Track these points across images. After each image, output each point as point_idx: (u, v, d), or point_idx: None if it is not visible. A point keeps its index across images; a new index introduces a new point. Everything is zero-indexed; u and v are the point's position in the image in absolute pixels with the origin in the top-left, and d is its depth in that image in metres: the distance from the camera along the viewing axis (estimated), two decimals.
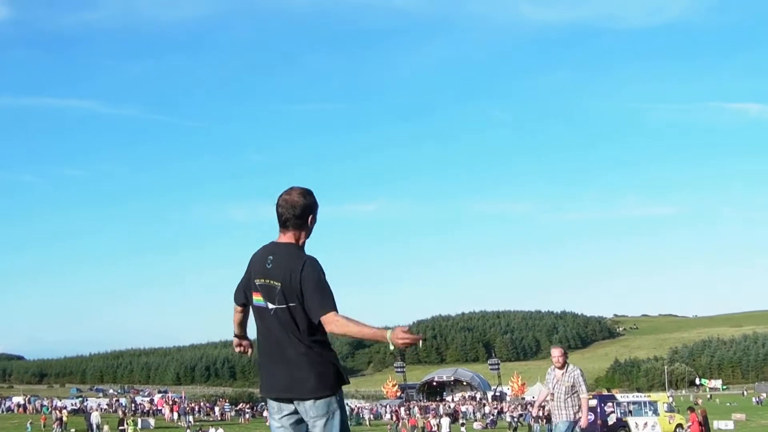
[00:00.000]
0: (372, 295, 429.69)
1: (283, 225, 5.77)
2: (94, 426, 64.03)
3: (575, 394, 13.90)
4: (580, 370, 14.22)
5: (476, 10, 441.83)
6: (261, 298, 5.74)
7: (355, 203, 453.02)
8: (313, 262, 5.65)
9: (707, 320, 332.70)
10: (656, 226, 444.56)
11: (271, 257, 5.70)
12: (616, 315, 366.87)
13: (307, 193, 5.82)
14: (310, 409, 5.66)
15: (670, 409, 58.85)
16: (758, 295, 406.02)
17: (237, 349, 6.52)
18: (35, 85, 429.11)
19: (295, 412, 5.77)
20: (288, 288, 5.56)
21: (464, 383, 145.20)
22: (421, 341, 5.37)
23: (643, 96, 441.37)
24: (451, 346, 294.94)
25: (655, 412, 56.34)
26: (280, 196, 5.81)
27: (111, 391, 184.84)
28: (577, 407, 13.88)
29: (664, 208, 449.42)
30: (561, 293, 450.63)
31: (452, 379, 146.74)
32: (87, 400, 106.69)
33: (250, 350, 6.54)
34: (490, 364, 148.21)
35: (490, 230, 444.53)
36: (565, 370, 14.00)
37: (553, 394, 14.08)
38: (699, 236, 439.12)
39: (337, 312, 5.56)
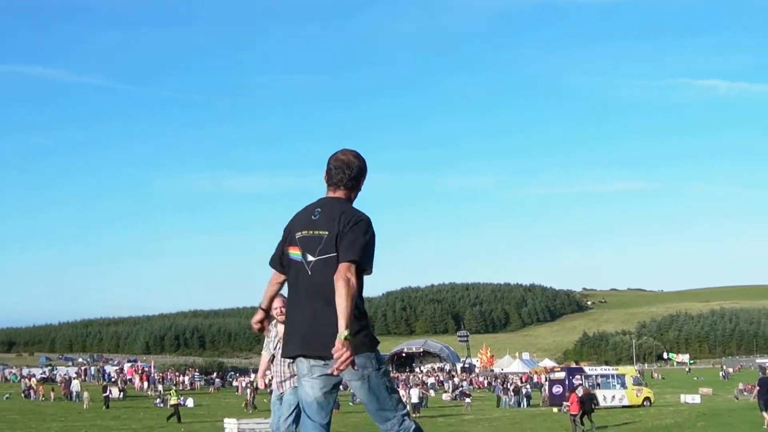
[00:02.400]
0: None
1: (336, 184, 5.78)
2: (74, 394, 64.31)
3: None
4: None
5: None
6: (298, 252, 5.64)
7: (322, 172, 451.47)
8: (369, 222, 5.65)
9: (675, 295, 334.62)
10: (626, 200, 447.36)
11: (319, 209, 5.68)
12: (585, 289, 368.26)
13: (361, 156, 5.86)
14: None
15: (638, 383, 59.39)
16: (726, 271, 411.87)
17: (255, 327, 6.24)
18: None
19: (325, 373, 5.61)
20: (335, 237, 5.50)
21: (433, 355, 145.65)
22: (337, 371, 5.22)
23: (611, 72, 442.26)
24: (420, 317, 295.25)
25: (623, 385, 56.86)
26: (334, 155, 5.84)
27: (80, 359, 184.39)
28: None
29: (633, 183, 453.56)
30: (530, 266, 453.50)
31: (421, 350, 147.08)
32: (56, 368, 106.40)
33: (266, 331, 6.43)
34: (459, 336, 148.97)
35: (459, 202, 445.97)
36: None
37: (274, 356, 10.42)
38: (668, 211, 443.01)
39: (357, 267, 5.43)
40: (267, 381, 15.45)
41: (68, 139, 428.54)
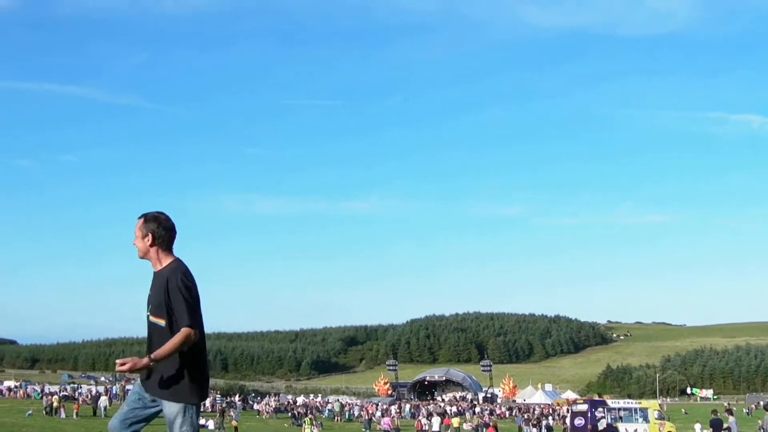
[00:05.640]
0: (366, 295, 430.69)
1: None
2: (102, 409, 65.14)
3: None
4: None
5: (475, 14, 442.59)
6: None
7: (349, 200, 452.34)
8: None
9: (700, 330, 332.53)
10: (652, 233, 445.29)
11: None
12: (609, 321, 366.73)
13: None
14: None
15: (661, 417, 58.93)
16: (752, 307, 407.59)
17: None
18: (34, 69, 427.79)
19: None
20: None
21: (456, 383, 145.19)
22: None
23: (644, 103, 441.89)
24: (444, 346, 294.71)
25: (646, 419, 56.44)
26: (167, 217, 7.17)
27: (102, 378, 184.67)
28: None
29: (660, 216, 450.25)
30: (555, 297, 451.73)
31: (444, 378, 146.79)
32: (80, 387, 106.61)
33: None
34: (482, 366, 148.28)
35: (485, 232, 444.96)
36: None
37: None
38: (694, 246, 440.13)
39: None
40: None
41: (98, 158, 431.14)
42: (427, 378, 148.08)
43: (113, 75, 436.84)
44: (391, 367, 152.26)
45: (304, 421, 41.58)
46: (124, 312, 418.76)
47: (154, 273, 6.98)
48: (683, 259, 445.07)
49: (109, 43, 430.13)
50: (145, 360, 6.49)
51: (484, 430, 39.62)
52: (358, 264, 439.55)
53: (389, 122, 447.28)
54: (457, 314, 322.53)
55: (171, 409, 6.73)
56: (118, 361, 6.47)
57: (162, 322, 6.71)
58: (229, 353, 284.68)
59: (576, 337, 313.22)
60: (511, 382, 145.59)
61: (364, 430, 66.25)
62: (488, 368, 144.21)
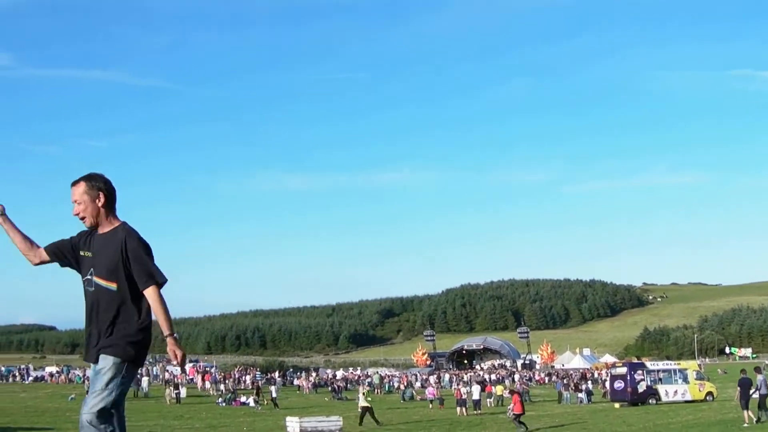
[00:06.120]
0: (401, 266, 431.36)
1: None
2: (143, 390, 66.44)
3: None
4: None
5: None
6: None
7: (381, 172, 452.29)
8: None
9: (737, 288, 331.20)
10: (686, 194, 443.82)
11: None
12: (645, 283, 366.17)
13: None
14: None
15: (700, 377, 58.79)
16: None
17: None
18: (58, 56, 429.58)
19: None
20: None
21: (493, 351, 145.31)
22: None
23: (673, 63, 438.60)
24: (480, 314, 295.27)
25: (685, 380, 56.30)
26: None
27: None
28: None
29: (693, 176, 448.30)
30: (590, 261, 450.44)
31: (482, 347, 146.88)
32: None
33: None
34: (519, 333, 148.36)
35: (517, 200, 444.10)
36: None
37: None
38: (728, 205, 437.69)
39: None
40: None
41: (127, 142, 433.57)
42: (465, 347, 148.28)
43: (138, 58, 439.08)
44: (428, 338, 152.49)
45: (364, 393, 41.73)
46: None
47: (98, 235, 6.67)
48: (717, 217, 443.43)
49: (133, 26, 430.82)
50: (170, 340, 6.55)
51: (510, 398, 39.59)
52: (393, 236, 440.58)
53: (416, 95, 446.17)
54: (492, 282, 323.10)
55: (104, 362, 6.46)
56: (176, 354, 6.52)
57: (113, 286, 6.48)
58: (267, 330, 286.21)
59: (612, 301, 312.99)
60: (549, 348, 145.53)
61: (402, 401, 66.57)
62: (525, 335, 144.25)
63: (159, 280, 6.47)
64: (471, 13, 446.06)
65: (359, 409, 40.15)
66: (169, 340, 6.45)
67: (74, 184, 6.65)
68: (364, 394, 41.46)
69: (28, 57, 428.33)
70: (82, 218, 6.66)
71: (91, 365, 6.58)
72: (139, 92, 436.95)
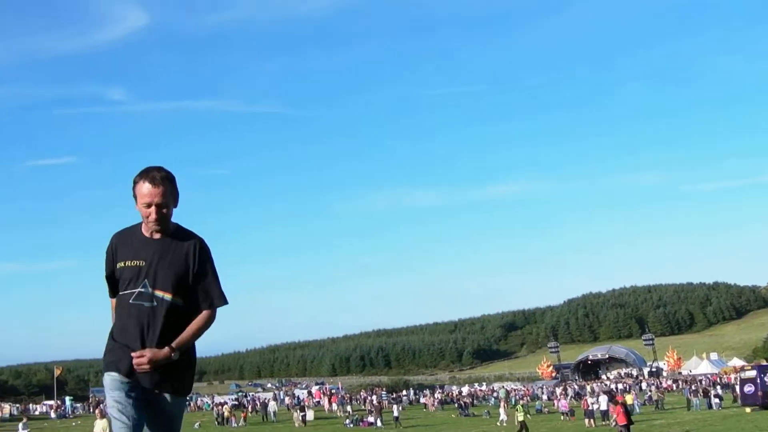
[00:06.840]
0: (521, 278, 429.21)
1: None
2: (272, 414, 67.82)
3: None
4: None
5: None
6: None
7: (495, 185, 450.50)
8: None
9: None
10: None
11: None
12: None
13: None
14: None
15: None
16: None
17: None
18: (172, 88, 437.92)
19: None
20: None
21: (619, 360, 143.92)
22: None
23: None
24: (603, 323, 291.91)
25: None
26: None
27: (269, 385, 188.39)
28: None
29: None
30: (712, 263, 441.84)
31: (607, 356, 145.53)
32: (248, 394, 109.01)
33: None
34: (644, 340, 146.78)
35: (634, 204, 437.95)
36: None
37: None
38: None
39: None
40: None
41: (246, 168, 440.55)
42: (590, 357, 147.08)
43: (249, 84, 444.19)
44: (553, 350, 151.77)
45: (516, 408, 43.12)
46: (285, 318, 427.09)
47: (148, 240, 5.55)
48: None
49: (240, 53, 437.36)
50: (165, 351, 5.30)
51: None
52: (511, 248, 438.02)
53: (529, 104, 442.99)
54: (614, 290, 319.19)
55: (180, 405, 5.65)
56: (133, 354, 5.27)
57: (180, 301, 5.46)
58: (391, 349, 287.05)
59: (737, 303, 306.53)
60: (675, 354, 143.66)
61: (529, 415, 66.45)
62: (651, 342, 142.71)
63: (219, 303, 5.61)
64: (587, 15, 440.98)
65: (517, 424, 42.02)
66: (166, 349, 5.32)
67: (153, 181, 5.40)
68: (518, 409, 43.11)
69: (141, 91, 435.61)
70: (159, 223, 5.49)
71: (143, 384, 5.36)
72: (253, 118, 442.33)
